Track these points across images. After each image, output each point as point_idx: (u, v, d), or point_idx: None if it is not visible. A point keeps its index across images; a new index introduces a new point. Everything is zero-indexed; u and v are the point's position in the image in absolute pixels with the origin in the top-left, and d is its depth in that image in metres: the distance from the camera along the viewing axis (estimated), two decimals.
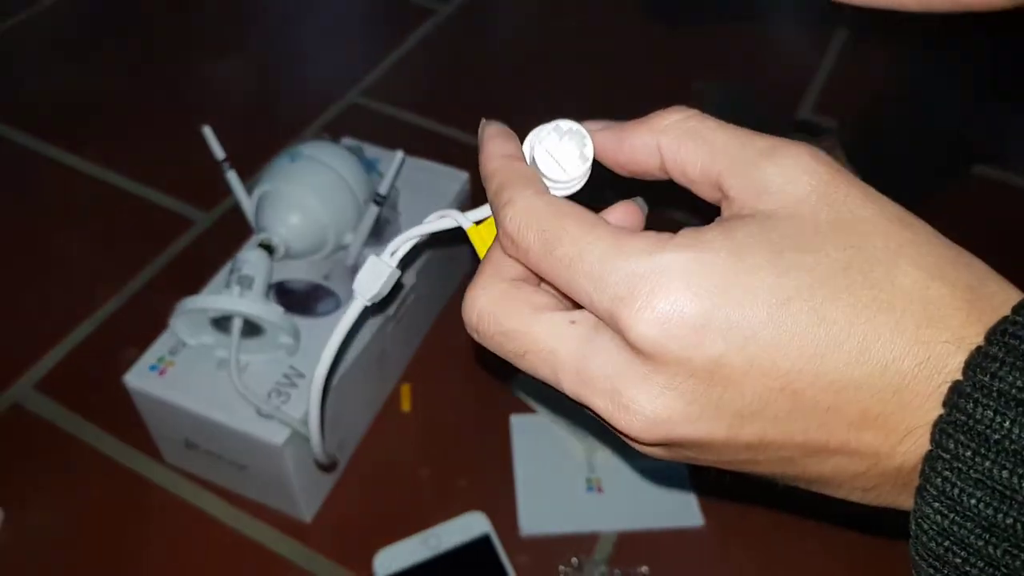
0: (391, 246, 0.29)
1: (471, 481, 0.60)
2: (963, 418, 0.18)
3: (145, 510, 0.58)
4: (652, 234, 0.21)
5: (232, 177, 0.59)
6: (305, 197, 0.55)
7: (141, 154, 0.86)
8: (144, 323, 0.70)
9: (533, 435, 0.62)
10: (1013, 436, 0.17)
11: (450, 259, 0.70)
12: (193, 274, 0.61)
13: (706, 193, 0.23)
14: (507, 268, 0.24)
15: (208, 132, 0.58)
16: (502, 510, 0.58)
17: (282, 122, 0.90)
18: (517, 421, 0.63)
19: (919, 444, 0.19)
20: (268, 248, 0.55)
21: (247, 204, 0.59)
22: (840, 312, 0.19)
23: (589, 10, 1.07)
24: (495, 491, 0.59)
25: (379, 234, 0.63)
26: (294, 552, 0.56)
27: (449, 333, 0.70)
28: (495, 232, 0.25)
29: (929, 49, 0.61)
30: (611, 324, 0.20)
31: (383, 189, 0.57)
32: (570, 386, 0.22)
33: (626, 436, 0.21)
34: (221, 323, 0.53)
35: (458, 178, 0.68)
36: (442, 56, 1.01)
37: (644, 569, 0.55)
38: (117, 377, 0.54)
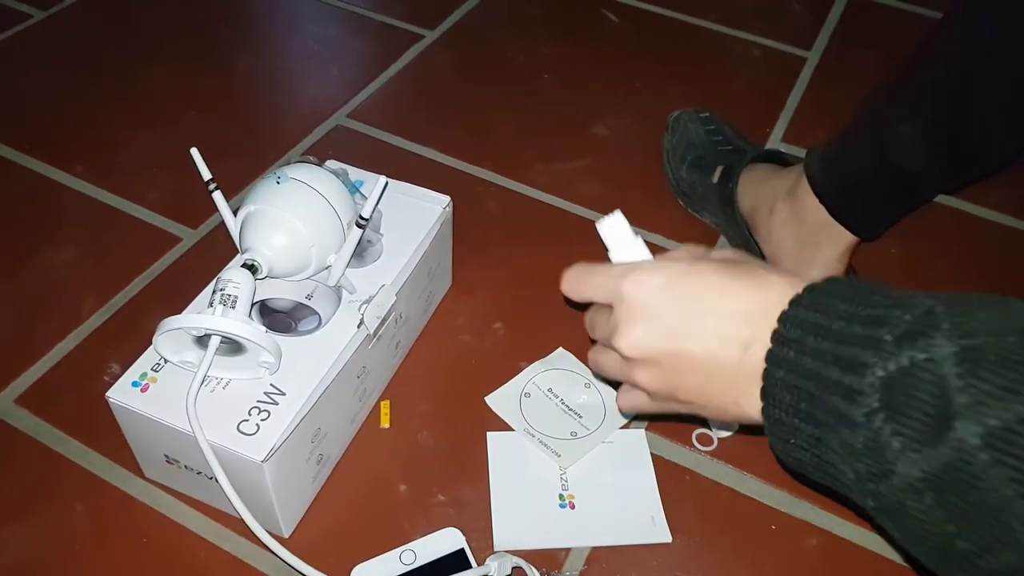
0: None
1: (448, 497, 0.61)
2: (790, 332, 0.35)
3: (125, 524, 0.59)
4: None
5: (218, 197, 0.60)
6: (289, 218, 0.57)
7: (128, 171, 0.87)
8: (127, 339, 0.71)
9: (509, 451, 0.64)
10: (806, 343, 0.34)
11: (432, 279, 0.71)
12: (178, 291, 0.63)
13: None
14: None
15: (195, 153, 0.60)
16: (477, 526, 0.59)
17: (268, 143, 0.92)
18: (493, 438, 0.65)
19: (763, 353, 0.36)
20: (252, 268, 0.56)
21: (232, 224, 0.60)
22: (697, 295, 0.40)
23: (573, 37, 1.10)
24: (471, 507, 0.60)
25: (361, 255, 0.64)
26: (272, 567, 0.57)
27: (429, 352, 0.71)
28: None
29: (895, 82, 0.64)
30: (615, 295, 0.42)
31: (366, 212, 0.59)
32: (599, 332, 0.45)
33: (623, 355, 0.41)
34: (204, 341, 0.54)
35: (440, 201, 0.70)
36: (428, 80, 1.03)
37: None
38: (99, 392, 0.55)
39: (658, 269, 0.40)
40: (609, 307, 0.42)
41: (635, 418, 0.66)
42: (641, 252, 0.45)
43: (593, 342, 0.46)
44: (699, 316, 0.38)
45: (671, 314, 0.39)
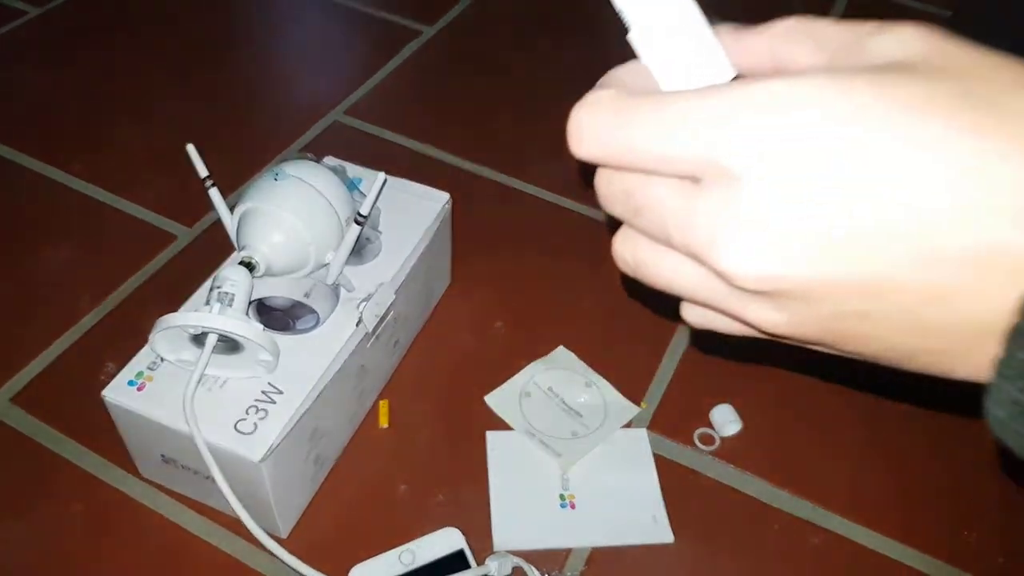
0: None
1: (447, 497, 0.61)
2: None
3: (122, 524, 0.59)
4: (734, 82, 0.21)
5: (214, 194, 0.60)
6: (287, 216, 0.56)
7: (124, 169, 0.87)
8: (124, 338, 0.71)
9: (509, 451, 0.63)
10: None
11: (430, 277, 0.71)
12: (174, 289, 0.62)
13: None
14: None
15: (191, 150, 0.59)
16: (477, 526, 0.59)
17: (265, 140, 0.91)
18: (493, 437, 0.64)
19: None
20: (249, 266, 0.55)
21: (229, 221, 0.60)
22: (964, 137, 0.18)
23: (572, 32, 1.10)
24: (470, 507, 0.60)
25: (360, 253, 0.64)
26: (270, 567, 0.56)
27: (427, 351, 0.71)
28: None
29: None
30: (708, 169, 0.21)
31: (365, 209, 0.58)
32: (678, 236, 0.22)
33: (728, 281, 0.20)
34: (200, 339, 0.53)
35: (439, 199, 0.69)
36: (425, 77, 1.02)
37: None
38: (95, 391, 0.54)
39: (802, 95, 0.19)
40: (683, 179, 0.21)
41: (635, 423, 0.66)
42: (718, 66, 0.23)
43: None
44: (918, 208, 0.18)
45: (853, 203, 0.18)
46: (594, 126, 0.23)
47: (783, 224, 0.19)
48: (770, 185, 0.19)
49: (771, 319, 0.21)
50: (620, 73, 0.26)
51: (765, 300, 0.20)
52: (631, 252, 0.24)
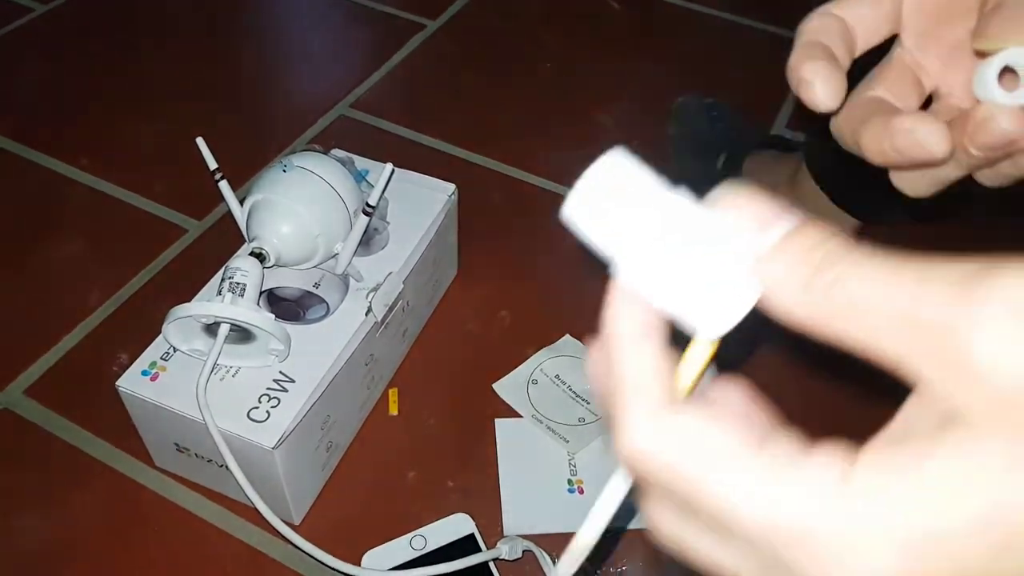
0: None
1: (457, 483, 0.62)
2: None
3: (136, 513, 0.59)
4: (815, 469, 0.16)
5: (224, 187, 0.60)
6: (296, 207, 0.57)
7: (134, 163, 0.87)
8: (135, 330, 0.71)
9: (517, 438, 0.64)
10: None
11: (438, 267, 0.72)
12: (185, 282, 0.63)
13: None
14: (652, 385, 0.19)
15: (201, 143, 0.60)
16: (487, 511, 0.59)
17: (271, 134, 0.92)
18: (502, 424, 0.65)
19: None
20: (259, 256, 0.56)
21: (239, 213, 0.60)
22: None
23: (575, 24, 1.10)
24: (480, 493, 0.61)
25: (368, 244, 0.64)
26: (283, 553, 0.57)
27: (436, 339, 0.72)
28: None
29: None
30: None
31: (373, 200, 0.59)
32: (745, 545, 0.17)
33: None
34: (212, 329, 0.54)
35: (445, 190, 0.70)
36: (430, 70, 1.03)
37: (624, 567, 0.57)
38: (108, 382, 0.55)
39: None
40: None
41: None
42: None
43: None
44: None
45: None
46: (652, 467, 0.18)
47: None
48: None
49: None
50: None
51: None
52: (670, 530, 0.20)
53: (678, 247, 0.18)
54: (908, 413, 0.17)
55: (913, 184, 0.30)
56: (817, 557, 0.15)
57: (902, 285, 0.16)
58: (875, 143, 0.28)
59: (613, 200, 0.18)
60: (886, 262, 0.16)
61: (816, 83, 0.28)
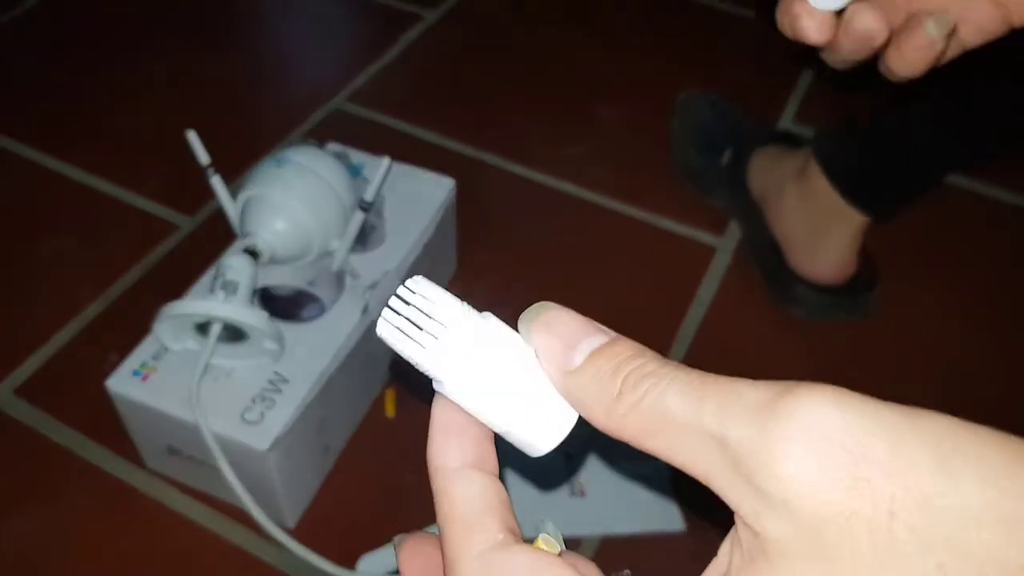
0: None
1: None
2: None
3: (127, 515, 0.58)
4: None
5: (217, 182, 0.59)
6: (291, 202, 0.56)
7: (124, 158, 0.86)
8: (126, 328, 0.70)
9: None
10: None
11: (436, 264, 0.70)
12: (176, 279, 0.61)
13: None
14: None
15: (193, 137, 0.58)
16: None
17: (267, 127, 0.90)
18: None
19: None
20: (253, 253, 0.55)
21: (232, 209, 0.59)
22: None
23: (575, 16, 1.08)
24: None
25: (364, 240, 0.63)
26: (276, 558, 0.56)
27: None
28: None
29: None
30: None
31: (369, 196, 0.57)
32: None
33: None
34: (205, 328, 0.53)
35: (444, 185, 0.68)
36: (428, 62, 1.01)
37: (626, 572, 0.56)
38: (99, 382, 0.54)
39: None
40: None
41: None
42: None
43: None
44: None
45: None
46: None
47: None
48: None
49: None
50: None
51: None
52: None
53: (494, 369, 0.19)
54: (727, 548, 0.17)
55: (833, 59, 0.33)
56: None
57: (706, 406, 0.16)
58: (781, 20, 0.31)
59: (427, 323, 0.19)
60: (692, 380, 0.16)
61: (803, 15, 0.30)
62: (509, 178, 0.86)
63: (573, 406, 0.19)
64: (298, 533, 0.57)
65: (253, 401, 0.52)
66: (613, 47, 1.04)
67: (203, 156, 0.58)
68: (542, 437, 0.19)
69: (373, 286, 0.60)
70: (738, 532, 0.16)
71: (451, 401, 0.19)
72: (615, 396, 0.17)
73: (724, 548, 0.17)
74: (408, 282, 0.19)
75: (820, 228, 0.69)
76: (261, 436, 0.51)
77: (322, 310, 0.58)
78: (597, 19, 1.08)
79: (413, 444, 0.63)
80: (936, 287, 0.76)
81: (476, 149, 0.89)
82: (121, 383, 0.53)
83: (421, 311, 0.19)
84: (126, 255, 0.76)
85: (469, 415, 0.19)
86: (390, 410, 0.65)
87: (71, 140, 0.87)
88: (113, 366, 0.54)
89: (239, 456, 0.51)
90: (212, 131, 0.61)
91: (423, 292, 0.19)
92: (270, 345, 0.53)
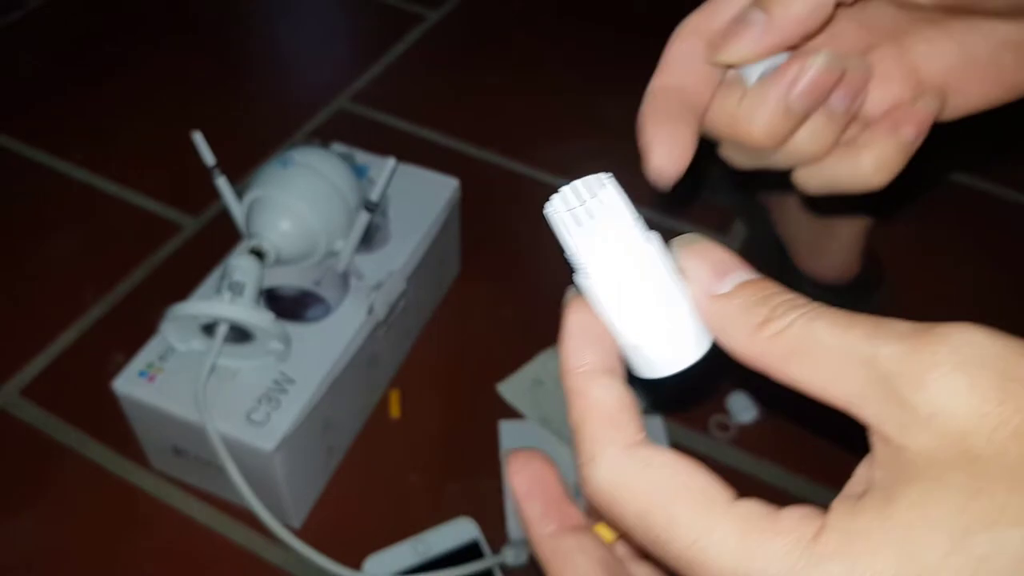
0: None
1: (460, 486, 0.60)
2: None
3: (133, 516, 0.58)
4: (788, 525, 0.16)
5: (222, 183, 0.59)
6: (296, 203, 0.56)
7: (128, 159, 0.86)
8: (131, 329, 0.70)
9: (521, 440, 0.63)
10: None
11: (440, 265, 0.70)
12: (180, 280, 0.61)
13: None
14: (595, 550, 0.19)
15: (198, 138, 0.58)
16: (491, 515, 0.58)
17: (270, 129, 0.90)
18: (506, 427, 0.64)
19: None
20: (259, 254, 0.55)
21: (237, 210, 0.59)
22: None
23: (578, 14, 1.08)
24: (484, 497, 0.59)
25: (369, 241, 0.63)
26: (282, 559, 0.56)
27: (438, 339, 0.70)
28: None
29: None
30: None
31: (375, 196, 0.57)
32: None
33: None
34: (211, 329, 0.53)
35: (448, 185, 0.68)
36: (431, 62, 1.01)
37: None
38: (104, 383, 0.54)
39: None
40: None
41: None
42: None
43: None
44: None
45: None
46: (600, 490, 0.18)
47: None
48: None
49: None
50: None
51: None
52: None
53: (643, 276, 0.19)
54: (864, 469, 0.17)
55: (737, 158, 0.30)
56: None
57: (855, 331, 0.16)
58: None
59: (593, 218, 0.19)
60: (840, 312, 0.17)
61: (655, 146, 0.25)
62: (513, 178, 0.86)
63: (714, 332, 0.19)
64: (303, 534, 0.57)
65: (259, 402, 0.52)
66: (616, 43, 1.04)
67: (209, 157, 0.58)
68: (672, 356, 0.19)
69: (378, 286, 0.60)
70: (876, 454, 0.16)
71: (587, 307, 0.20)
72: (760, 322, 0.17)
73: (860, 470, 0.17)
74: (598, 176, 0.19)
75: (824, 228, 0.69)
76: (267, 436, 0.51)
77: (327, 311, 0.58)
78: (600, 15, 1.08)
79: (418, 444, 0.63)
80: (941, 285, 0.76)
81: (479, 148, 0.89)
82: (128, 384, 0.53)
83: (596, 202, 0.19)
84: (130, 256, 0.76)
85: (603, 325, 0.19)
86: (395, 410, 0.65)
87: (76, 141, 0.87)
88: (118, 367, 0.54)
89: (245, 456, 0.51)
90: (216, 132, 0.61)
91: (604, 190, 0.19)
92: (276, 345, 0.53)
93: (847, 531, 0.15)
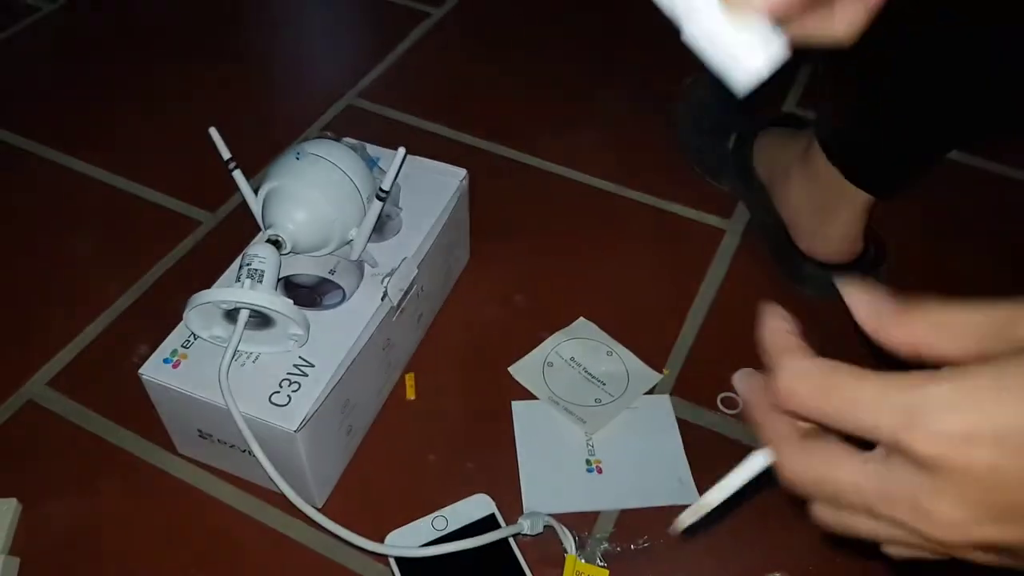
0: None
1: (476, 465, 0.62)
2: None
3: (160, 500, 0.60)
4: (914, 372, 0.24)
5: (238, 176, 0.61)
6: (311, 193, 0.57)
7: (145, 157, 0.88)
8: (153, 321, 0.72)
9: (534, 420, 0.65)
10: None
11: (451, 252, 0.72)
12: (200, 273, 0.63)
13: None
14: (788, 429, 0.28)
15: (215, 133, 0.60)
16: (506, 492, 0.60)
17: (279, 126, 0.92)
18: (518, 407, 0.65)
19: None
20: (276, 243, 0.57)
21: (254, 202, 0.61)
22: None
23: (581, 5, 1.10)
24: (499, 474, 0.61)
25: (381, 229, 0.65)
26: (307, 537, 0.58)
27: (450, 324, 0.72)
28: None
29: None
30: (896, 449, 0.24)
31: (386, 184, 0.59)
32: (881, 509, 0.25)
33: (935, 541, 0.25)
34: (232, 316, 0.55)
35: (456, 175, 0.70)
36: (437, 57, 1.03)
37: (644, 541, 0.57)
38: (129, 373, 0.56)
39: (979, 403, 0.23)
40: (866, 461, 0.26)
41: None
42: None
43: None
44: None
45: None
46: (802, 394, 0.27)
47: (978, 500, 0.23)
48: (958, 479, 0.23)
49: (984, 559, 0.26)
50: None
51: (976, 551, 0.25)
52: (832, 519, 0.28)
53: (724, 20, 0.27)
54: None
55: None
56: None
57: (866, 391, 0.25)
58: None
59: None
60: (864, 376, 0.25)
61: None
62: (519, 168, 0.88)
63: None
64: (326, 512, 0.59)
65: (280, 385, 0.54)
66: (619, 34, 1.05)
67: (225, 152, 0.60)
68: (757, 65, 0.28)
69: (391, 273, 0.61)
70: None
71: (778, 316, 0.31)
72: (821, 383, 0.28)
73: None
74: None
75: (825, 208, 0.71)
76: (290, 418, 0.53)
77: (343, 298, 0.60)
78: (602, 6, 1.10)
79: (434, 425, 0.65)
80: (943, 263, 0.77)
81: (486, 140, 0.91)
82: (154, 370, 0.55)
83: None
84: (151, 251, 0.78)
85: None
86: (411, 393, 0.67)
87: (94, 142, 0.90)
88: (142, 358, 0.56)
89: (268, 438, 0.53)
90: (229, 129, 0.63)
91: None
92: (296, 331, 0.55)
93: (953, 369, 0.23)
